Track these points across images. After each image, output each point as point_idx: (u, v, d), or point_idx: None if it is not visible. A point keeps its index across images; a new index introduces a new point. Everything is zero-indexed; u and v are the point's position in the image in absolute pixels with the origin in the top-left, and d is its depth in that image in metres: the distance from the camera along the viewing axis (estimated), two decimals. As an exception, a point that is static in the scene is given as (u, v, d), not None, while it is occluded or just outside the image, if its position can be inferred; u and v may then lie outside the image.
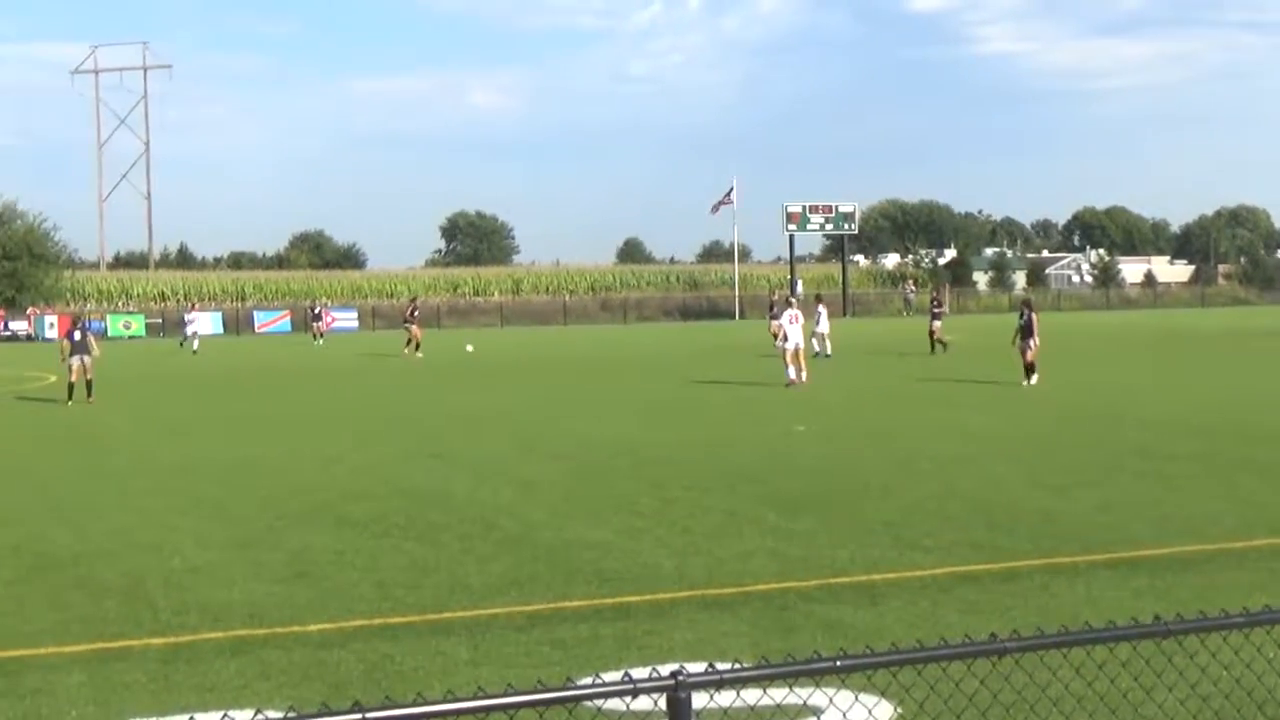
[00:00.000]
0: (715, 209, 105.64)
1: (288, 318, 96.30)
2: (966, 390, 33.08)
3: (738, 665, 3.97)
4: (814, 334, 43.41)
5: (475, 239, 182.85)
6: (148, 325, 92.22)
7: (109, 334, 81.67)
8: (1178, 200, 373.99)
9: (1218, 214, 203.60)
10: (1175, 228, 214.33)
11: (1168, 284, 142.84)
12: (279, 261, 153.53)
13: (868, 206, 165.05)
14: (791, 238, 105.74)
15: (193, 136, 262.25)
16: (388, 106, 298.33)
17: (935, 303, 52.02)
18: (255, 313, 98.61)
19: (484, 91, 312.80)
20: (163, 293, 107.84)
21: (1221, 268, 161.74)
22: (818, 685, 4.75)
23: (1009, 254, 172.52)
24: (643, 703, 3.98)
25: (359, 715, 3.47)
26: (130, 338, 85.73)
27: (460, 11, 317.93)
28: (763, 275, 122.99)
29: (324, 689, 9.12)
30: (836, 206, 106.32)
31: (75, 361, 33.81)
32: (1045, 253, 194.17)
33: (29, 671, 9.79)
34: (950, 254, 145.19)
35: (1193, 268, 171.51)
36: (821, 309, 46.60)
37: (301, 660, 9.95)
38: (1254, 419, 24.96)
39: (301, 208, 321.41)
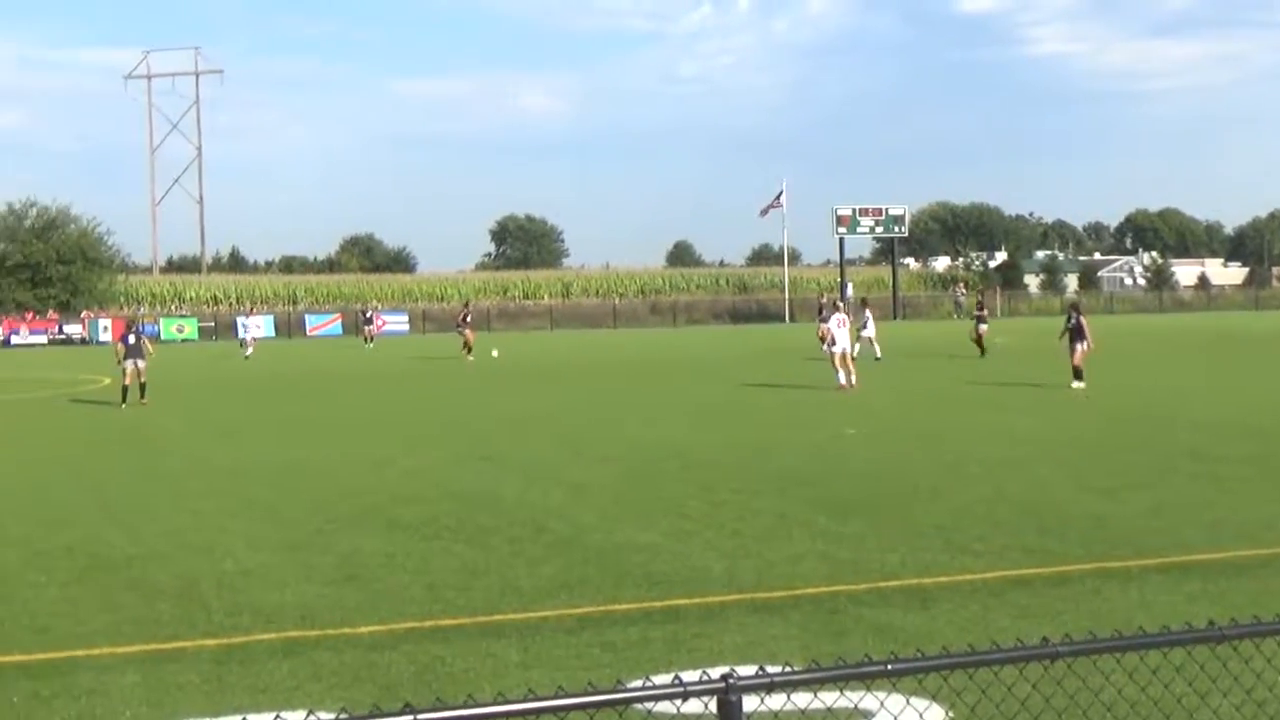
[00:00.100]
0: (765, 212, 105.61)
1: (339, 321, 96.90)
2: (1016, 393, 32.90)
3: (788, 668, 3.96)
4: (860, 338, 43.37)
5: (525, 242, 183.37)
6: (200, 329, 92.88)
7: (162, 337, 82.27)
8: (1231, 202, 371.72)
9: (1271, 216, 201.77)
10: (1229, 230, 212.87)
11: (1221, 286, 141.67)
12: (329, 265, 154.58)
13: (918, 209, 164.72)
14: (841, 241, 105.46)
15: (243, 140, 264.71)
16: (437, 110, 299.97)
17: (979, 306, 52.19)
18: (306, 316, 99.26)
19: (533, 94, 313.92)
20: (215, 296, 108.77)
21: (1276, 270, 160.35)
22: (869, 689, 4.74)
23: (1060, 257, 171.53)
24: (693, 705, 3.98)
25: (410, 717, 3.48)
26: (183, 341, 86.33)
27: (510, 14, 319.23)
28: (812, 278, 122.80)
29: (375, 691, 9.17)
30: (886, 209, 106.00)
31: (130, 365, 34.16)
32: (1097, 255, 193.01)
33: (83, 672, 9.87)
34: (1001, 257, 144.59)
35: (1247, 270, 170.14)
36: (867, 313, 46.83)
37: (353, 662, 9.99)
38: (1309, 422, 24.71)
39: (352, 211, 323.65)
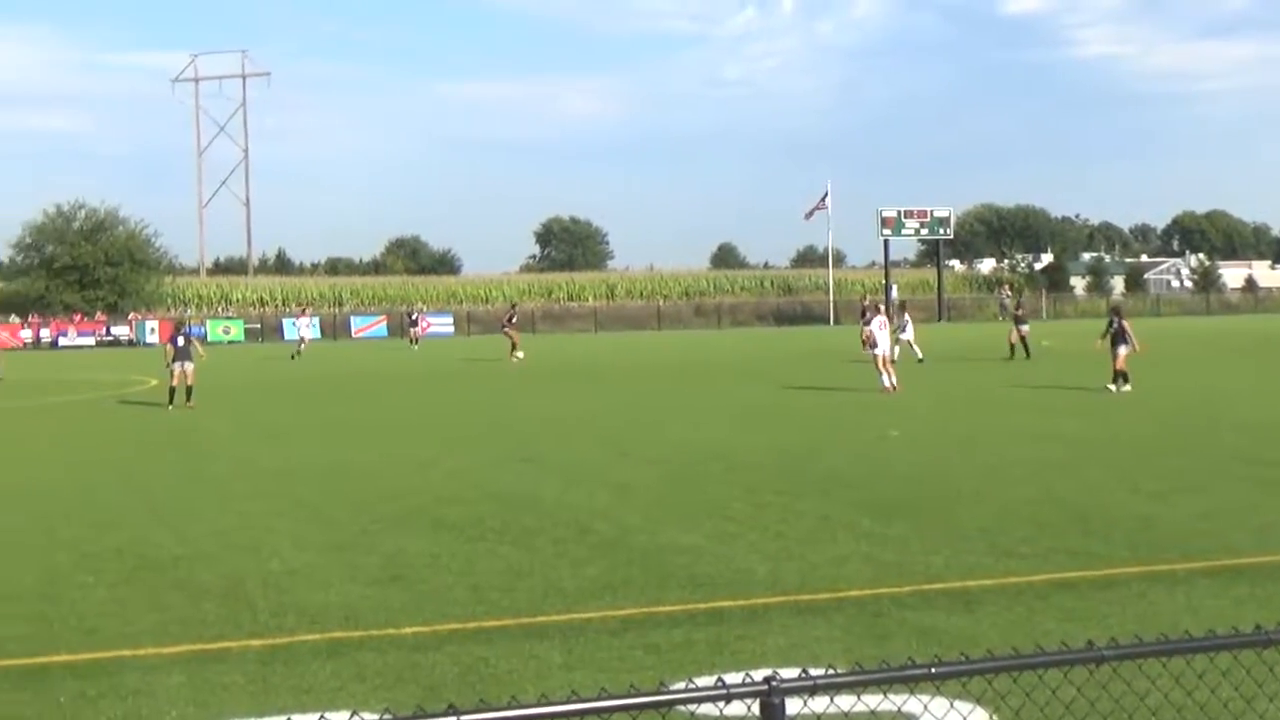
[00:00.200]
0: (809, 215, 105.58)
1: (384, 323, 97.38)
2: (1060, 395, 32.73)
3: (831, 671, 3.95)
4: (898, 340, 43.30)
5: (570, 244, 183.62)
6: (247, 330, 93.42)
7: (209, 339, 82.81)
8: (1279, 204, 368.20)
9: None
10: (1277, 231, 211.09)
11: (1269, 289, 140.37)
12: (375, 267, 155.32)
13: (963, 211, 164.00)
14: (886, 243, 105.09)
15: (289, 143, 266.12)
16: (482, 112, 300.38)
17: (1018, 306, 52.08)
18: (352, 318, 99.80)
19: (578, 96, 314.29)
20: (261, 298, 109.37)
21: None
22: (912, 692, 4.72)
23: (1106, 259, 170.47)
24: (736, 708, 3.98)
25: (453, 718, 3.49)
26: (230, 343, 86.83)
27: (554, 17, 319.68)
28: (857, 280, 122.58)
29: (419, 691, 9.19)
30: (931, 211, 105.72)
31: (178, 368, 34.37)
32: (1144, 257, 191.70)
33: (129, 672, 9.94)
34: (1047, 259, 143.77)
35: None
36: (906, 315, 46.91)
37: (396, 663, 10.03)
38: (1359, 425, 24.49)
39: (397, 213, 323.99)
